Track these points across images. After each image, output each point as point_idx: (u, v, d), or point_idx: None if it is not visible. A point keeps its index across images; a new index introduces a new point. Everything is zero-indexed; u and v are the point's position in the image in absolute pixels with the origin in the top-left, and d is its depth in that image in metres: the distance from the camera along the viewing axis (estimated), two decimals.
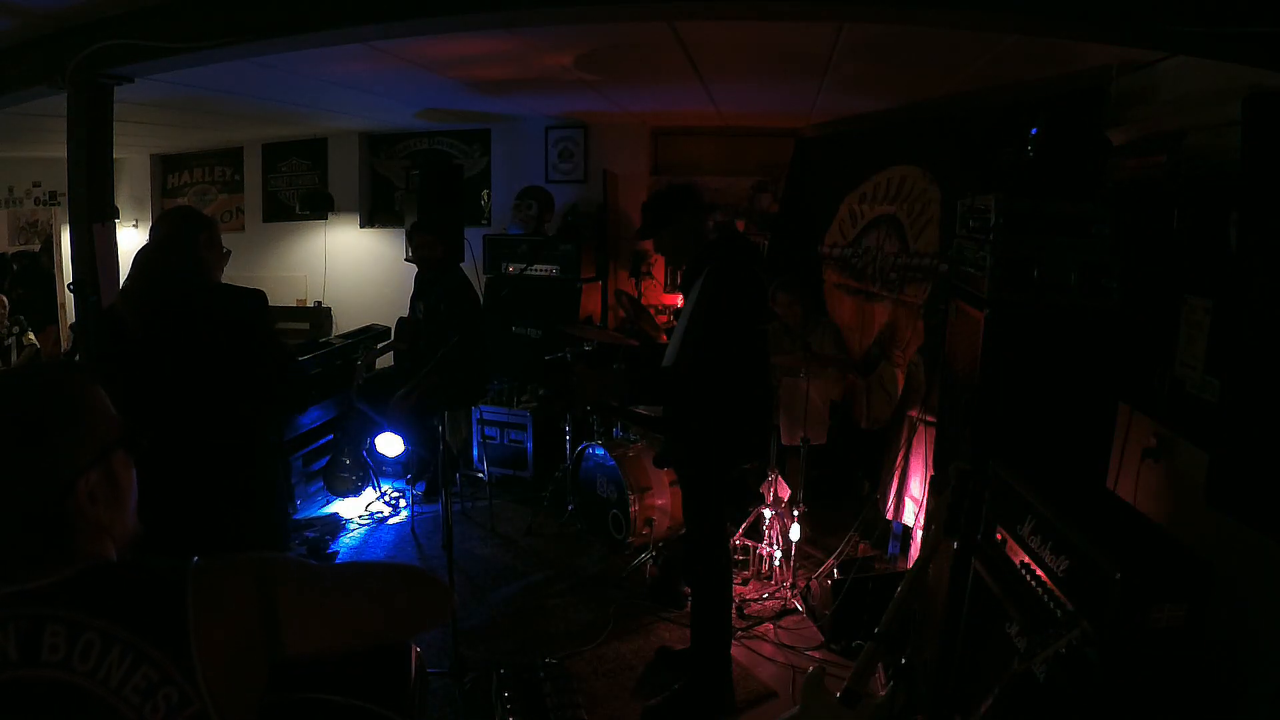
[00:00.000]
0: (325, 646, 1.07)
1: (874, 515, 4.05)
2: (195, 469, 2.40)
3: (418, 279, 4.66)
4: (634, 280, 5.75)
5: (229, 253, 2.80)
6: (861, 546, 3.96)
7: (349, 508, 4.68)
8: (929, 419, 3.36)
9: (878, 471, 4.01)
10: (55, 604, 0.92)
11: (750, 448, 2.97)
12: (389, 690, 1.21)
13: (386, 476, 4.95)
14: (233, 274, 2.85)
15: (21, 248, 7.10)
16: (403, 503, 4.70)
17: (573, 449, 4.42)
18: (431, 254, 4.43)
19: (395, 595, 1.12)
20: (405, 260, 5.10)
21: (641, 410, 3.93)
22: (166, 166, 7.18)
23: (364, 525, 4.49)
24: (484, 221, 6.12)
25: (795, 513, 3.88)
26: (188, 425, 2.41)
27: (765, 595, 3.68)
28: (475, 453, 5.12)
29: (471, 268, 5.45)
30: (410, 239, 4.74)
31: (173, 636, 0.93)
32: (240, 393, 2.54)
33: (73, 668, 0.90)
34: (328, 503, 4.73)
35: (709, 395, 2.67)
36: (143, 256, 2.63)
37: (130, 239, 6.66)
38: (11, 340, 5.44)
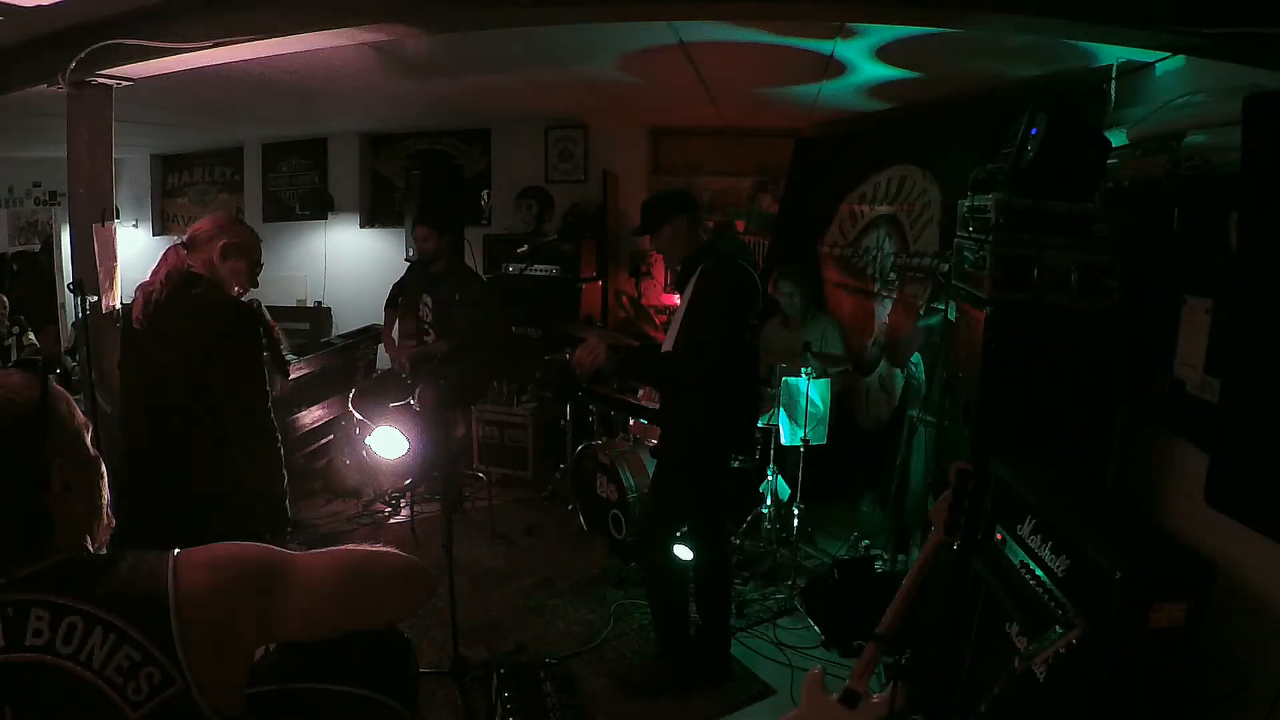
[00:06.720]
0: (315, 629, 1.10)
1: (874, 515, 4.05)
2: (183, 453, 2.49)
3: (415, 273, 4.63)
4: (634, 280, 5.75)
5: (253, 288, 2.72)
6: (862, 547, 3.97)
7: (349, 508, 4.68)
8: (929, 419, 3.36)
9: (878, 471, 4.01)
10: (40, 590, 0.95)
11: (739, 441, 3.04)
12: (385, 677, 1.22)
13: (386, 476, 4.94)
14: None
15: (21, 248, 7.10)
16: (403, 503, 4.70)
17: (572, 449, 4.41)
18: (436, 247, 4.41)
19: (382, 577, 1.17)
20: (405, 260, 5.09)
21: (640, 403, 3.96)
22: (166, 166, 7.18)
23: (364, 525, 4.48)
24: (484, 221, 6.12)
25: (795, 512, 3.89)
26: (176, 413, 2.49)
27: (765, 595, 3.68)
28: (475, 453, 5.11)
29: (471, 268, 5.45)
30: (412, 233, 4.72)
31: (154, 618, 0.96)
32: (220, 387, 2.56)
33: (56, 650, 0.92)
34: (327, 503, 4.73)
35: (700, 388, 2.72)
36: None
37: (130, 239, 6.66)
38: (11, 340, 5.44)
